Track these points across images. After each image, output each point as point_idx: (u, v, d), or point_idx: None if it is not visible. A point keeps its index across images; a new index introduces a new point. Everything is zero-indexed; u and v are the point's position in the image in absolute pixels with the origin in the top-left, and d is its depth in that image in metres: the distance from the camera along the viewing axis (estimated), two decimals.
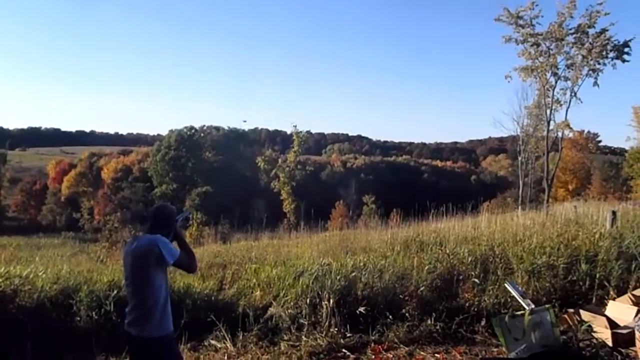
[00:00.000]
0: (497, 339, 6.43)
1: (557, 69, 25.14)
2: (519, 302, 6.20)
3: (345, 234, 16.45)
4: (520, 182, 42.45)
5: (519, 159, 43.18)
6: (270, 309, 7.22)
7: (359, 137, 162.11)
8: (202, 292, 7.71)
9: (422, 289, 7.16)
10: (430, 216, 14.04)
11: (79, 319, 6.88)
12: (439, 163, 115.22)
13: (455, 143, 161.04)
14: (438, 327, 6.60)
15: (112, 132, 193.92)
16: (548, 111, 26.67)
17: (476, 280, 7.30)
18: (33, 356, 6.25)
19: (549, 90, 25.90)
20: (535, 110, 36.81)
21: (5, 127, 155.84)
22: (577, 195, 45.86)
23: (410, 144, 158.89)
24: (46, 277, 7.62)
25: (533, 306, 5.78)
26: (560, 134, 28.16)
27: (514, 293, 6.11)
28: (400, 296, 7.16)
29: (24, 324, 6.64)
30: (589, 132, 62.11)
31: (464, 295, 7.23)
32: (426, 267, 7.72)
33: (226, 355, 6.20)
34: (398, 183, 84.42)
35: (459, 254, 8.16)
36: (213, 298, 7.67)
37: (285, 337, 6.52)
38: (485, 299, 7.04)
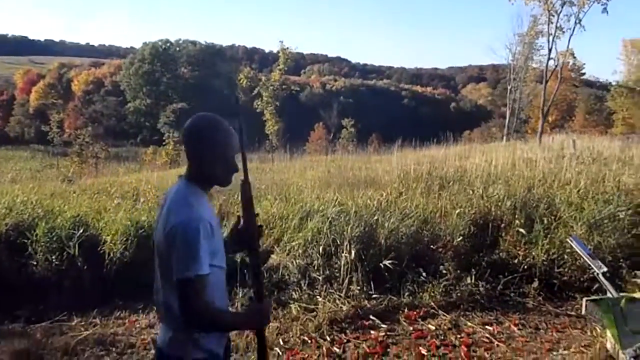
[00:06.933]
0: (552, 304, 5.35)
1: None
2: (583, 261, 5.06)
3: (339, 162, 15.19)
4: (507, 112, 41.40)
5: (508, 87, 41.87)
6: (272, 256, 5.95)
7: (339, 59, 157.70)
8: None
9: (459, 239, 5.90)
10: (415, 142, 14.63)
11: (35, 263, 5.48)
12: (418, 89, 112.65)
13: (435, 69, 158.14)
14: (481, 288, 5.41)
15: (82, 42, 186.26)
16: (550, 38, 25.26)
17: (522, 230, 6.03)
18: None
19: (553, 16, 24.39)
20: (529, 37, 35.35)
21: None
22: (557, 127, 44.94)
23: (390, 68, 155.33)
24: None
25: (605, 269, 4.60)
26: (560, 63, 26.82)
27: (580, 252, 4.89)
28: (432, 247, 5.90)
29: None
30: (573, 63, 60.57)
31: (506, 247, 6.00)
32: (457, 211, 6.45)
33: None
34: (378, 107, 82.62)
35: (492, 195, 6.90)
36: None
37: (295, 296, 5.25)
38: (534, 254, 5.79)
